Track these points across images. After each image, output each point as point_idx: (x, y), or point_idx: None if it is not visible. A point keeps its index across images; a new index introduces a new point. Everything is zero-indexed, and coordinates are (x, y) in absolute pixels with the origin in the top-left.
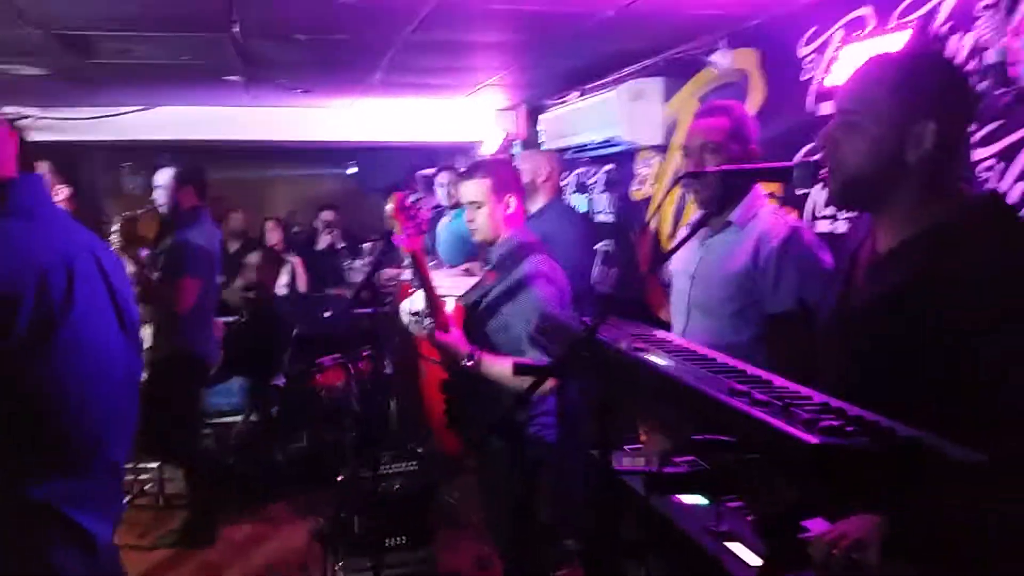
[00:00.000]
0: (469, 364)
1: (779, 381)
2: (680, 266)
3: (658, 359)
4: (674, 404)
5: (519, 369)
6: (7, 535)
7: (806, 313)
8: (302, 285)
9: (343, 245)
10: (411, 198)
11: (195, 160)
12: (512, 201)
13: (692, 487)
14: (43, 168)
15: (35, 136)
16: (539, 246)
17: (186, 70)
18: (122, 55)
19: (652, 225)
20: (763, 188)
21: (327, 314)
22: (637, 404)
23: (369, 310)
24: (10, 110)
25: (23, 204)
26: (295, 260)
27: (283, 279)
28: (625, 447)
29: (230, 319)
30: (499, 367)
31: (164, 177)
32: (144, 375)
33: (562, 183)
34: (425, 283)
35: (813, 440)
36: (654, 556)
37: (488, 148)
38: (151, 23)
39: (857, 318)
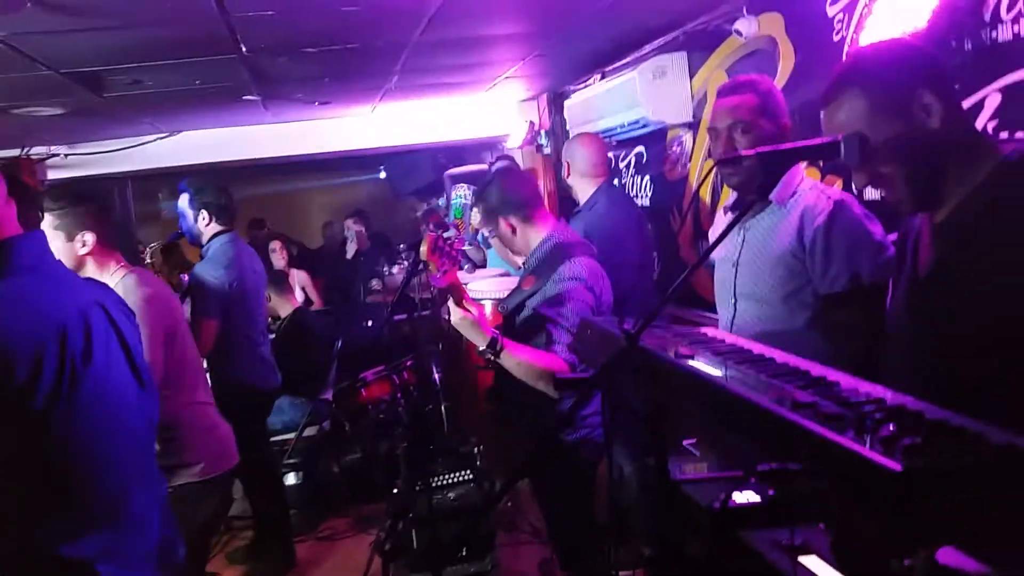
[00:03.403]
0: (490, 350)
1: (847, 381)
2: (721, 253)
3: (709, 366)
4: (731, 420)
5: (560, 383)
6: None
7: (861, 289)
8: (318, 303)
9: (369, 247)
10: (445, 235)
11: (217, 182)
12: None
13: (763, 520)
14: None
15: (65, 173)
16: (579, 246)
17: (202, 94)
18: (134, 86)
19: (690, 205)
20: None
21: (368, 323)
22: (689, 418)
23: (407, 316)
24: (39, 150)
25: (28, 262)
26: (301, 275)
27: (297, 297)
28: (684, 442)
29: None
30: (521, 358)
31: (182, 204)
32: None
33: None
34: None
35: (895, 466)
36: (721, 571)
37: (513, 141)
38: (156, 52)
39: (927, 292)
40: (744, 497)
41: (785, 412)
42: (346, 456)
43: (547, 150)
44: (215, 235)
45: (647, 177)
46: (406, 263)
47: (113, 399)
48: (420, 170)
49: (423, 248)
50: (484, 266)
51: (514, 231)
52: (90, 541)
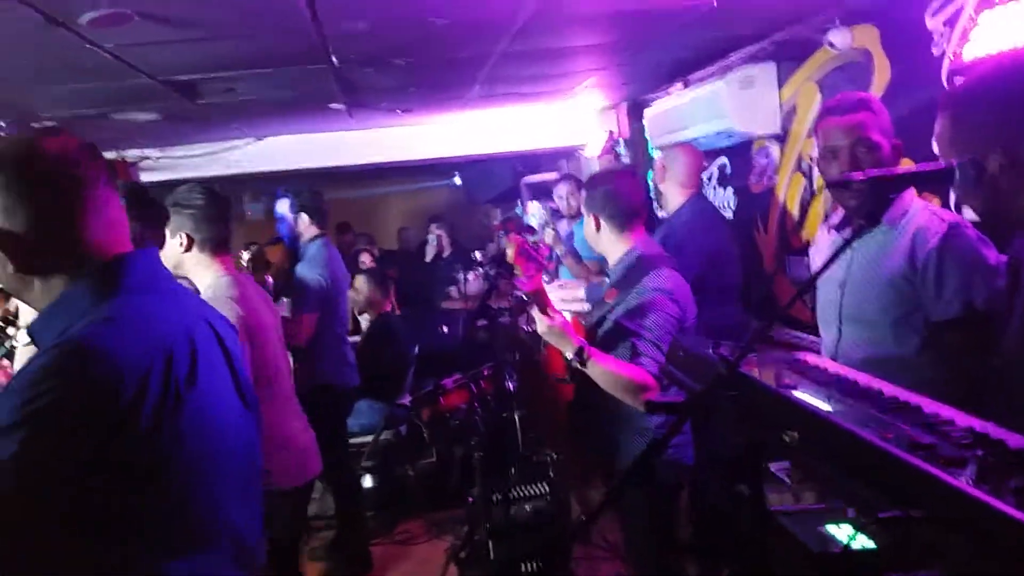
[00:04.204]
0: (577, 358)
1: (961, 419)
2: (825, 272)
3: (815, 398)
4: (842, 458)
5: (652, 406)
6: None
7: (974, 316)
8: (396, 311)
9: (449, 253)
10: (530, 239)
11: (311, 188)
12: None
13: (879, 566)
14: None
15: (156, 176)
16: (662, 259)
17: (291, 102)
18: (227, 94)
19: (775, 218)
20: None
21: (444, 329)
22: (791, 450)
23: (485, 322)
24: (133, 153)
25: (138, 280)
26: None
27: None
28: (771, 466)
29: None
30: (606, 367)
31: (282, 208)
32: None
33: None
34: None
35: None
36: None
37: (591, 150)
38: (250, 62)
39: None
40: (859, 542)
41: (905, 455)
42: (421, 460)
43: (626, 159)
44: (313, 238)
45: (730, 189)
46: (482, 270)
47: (216, 420)
48: (496, 177)
49: (509, 251)
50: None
51: (598, 229)
52: (187, 562)
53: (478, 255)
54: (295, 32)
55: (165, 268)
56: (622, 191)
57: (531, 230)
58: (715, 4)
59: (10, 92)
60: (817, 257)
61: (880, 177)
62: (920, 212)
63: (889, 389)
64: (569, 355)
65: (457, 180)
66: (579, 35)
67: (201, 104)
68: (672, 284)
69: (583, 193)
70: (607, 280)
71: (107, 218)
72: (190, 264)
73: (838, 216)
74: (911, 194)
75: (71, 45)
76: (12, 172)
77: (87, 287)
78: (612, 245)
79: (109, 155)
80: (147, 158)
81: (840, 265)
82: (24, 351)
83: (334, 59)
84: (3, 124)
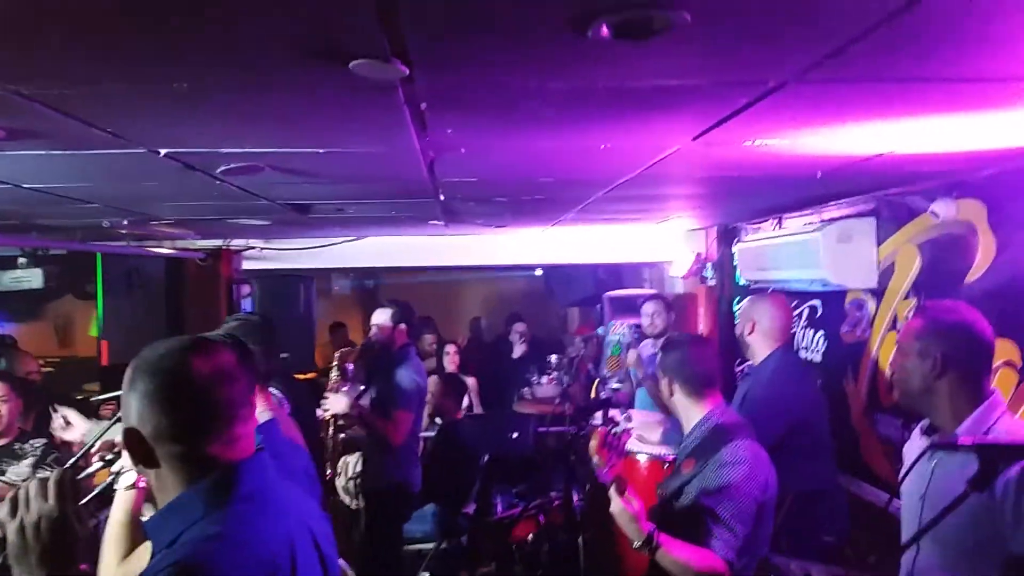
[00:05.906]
0: (644, 547)
1: None
2: (909, 484)
3: None
4: None
5: None
6: None
7: None
8: (477, 406)
9: (523, 354)
10: (613, 431)
11: (408, 302)
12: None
13: None
14: None
15: (258, 264)
16: (740, 428)
17: (394, 218)
18: (337, 212)
19: (866, 373)
20: (1002, 393)
21: (514, 435)
22: None
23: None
24: (239, 242)
25: (251, 489)
26: (471, 382)
27: (463, 402)
28: None
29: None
30: (677, 556)
31: (381, 318)
32: (359, 504)
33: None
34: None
35: None
36: None
37: (677, 270)
38: (365, 196)
39: None
40: None
41: None
42: (480, 567)
43: (711, 282)
44: (403, 345)
45: (820, 333)
46: (555, 374)
47: None
48: (580, 282)
49: (593, 443)
50: (631, 400)
51: (671, 395)
52: None
53: (553, 359)
54: (410, 181)
55: (273, 471)
56: (695, 358)
57: (613, 422)
58: (819, 176)
59: (143, 206)
60: (908, 455)
61: (989, 447)
62: (1003, 434)
63: None
64: (636, 543)
65: (538, 271)
66: (677, 188)
67: (311, 217)
68: (752, 456)
69: (668, 314)
70: (682, 445)
71: (237, 431)
72: None
73: (923, 425)
74: (999, 409)
75: (204, 182)
76: (156, 384)
77: (201, 495)
78: (687, 410)
79: (216, 243)
80: (252, 247)
81: (921, 476)
82: (123, 495)
83: (441, 197)
84: (125, 222)
